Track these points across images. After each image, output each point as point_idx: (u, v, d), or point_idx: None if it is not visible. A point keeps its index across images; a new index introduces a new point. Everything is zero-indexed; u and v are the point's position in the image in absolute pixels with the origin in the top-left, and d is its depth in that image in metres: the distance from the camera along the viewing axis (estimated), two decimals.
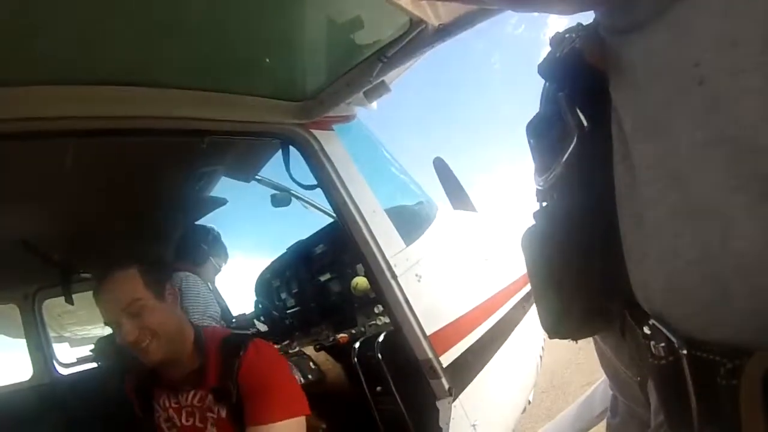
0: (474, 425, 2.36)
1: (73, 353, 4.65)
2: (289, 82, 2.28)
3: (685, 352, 0.53)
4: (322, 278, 3.57)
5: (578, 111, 0.70)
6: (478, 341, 2.52)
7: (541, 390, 3.68)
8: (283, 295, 4.06)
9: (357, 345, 3.00)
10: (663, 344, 0.56)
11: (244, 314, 4.10)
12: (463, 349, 2.41)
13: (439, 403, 2.27)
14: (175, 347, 1.85)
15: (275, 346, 3.49)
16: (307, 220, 3.85)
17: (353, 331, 3.18)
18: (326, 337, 3.40)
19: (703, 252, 0.50)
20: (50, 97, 1.82)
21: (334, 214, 3.59)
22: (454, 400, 2.26)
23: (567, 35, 0.74)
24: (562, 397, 4.65)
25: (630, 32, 0.57)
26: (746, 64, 0.44)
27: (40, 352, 4.21)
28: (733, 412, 0.48)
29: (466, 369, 2.40)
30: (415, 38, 1.86)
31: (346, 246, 3.19)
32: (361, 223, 2.30)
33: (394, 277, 2.25)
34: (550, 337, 0.87)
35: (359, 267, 3.11)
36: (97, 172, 2.63)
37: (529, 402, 3.14)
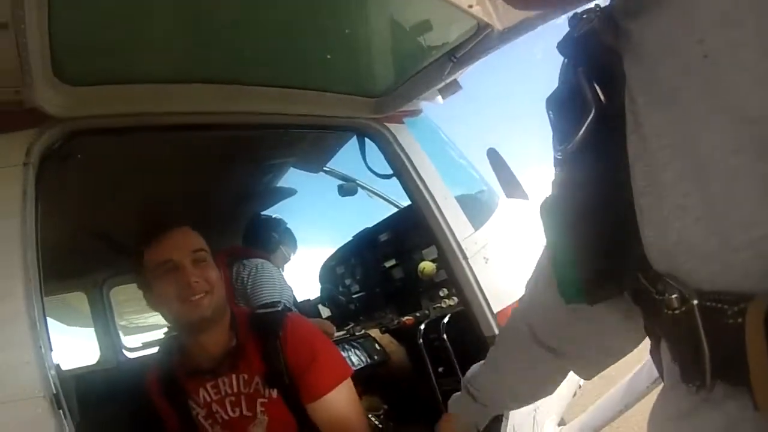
0: None
1: (137, 339, 4.93)
2: (366, 80, 2.45)
3: (696, 301, 0.57)
4: (387, 264, 3.69)
5: (596, 86, 0.74)
6: None
7: (593, 381, 3.69)
8: (348, 281, 4.19)
9: (422, 327, 3.14)
10: (675, 295, 0.59)
11: (309, 300, 4.29)
12: None
13: None
14: (221, 312, 1.81)
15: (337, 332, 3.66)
16: (373, 209, 4.01)
17: (418, 314, 3.33)
18: (391, 320, 3.58)
19: (708, 208, 0.55)
20: (138, 94, 1.98)
21: (398, 204, 3.77)
22: None
23: (584, 15, 0.77)
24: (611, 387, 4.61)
25: (640, 13, 0.62)
26: (743, 39, 0.49)
27: (108, 338, 4.42)
28: (740, 348, 0.52)
29: None
30: (482, 41, 1.97)
31: (412, 233, 3.33)
32: (434, 209, 2.43)
33: (465, 258, 2.36)
34: (566, 303, 0.90)
35: (425, 252, 3.26)
36: (171, 165, 2.81)
37: (580, 386, 3.18)
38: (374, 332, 3.61)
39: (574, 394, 3.10)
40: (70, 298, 4.46)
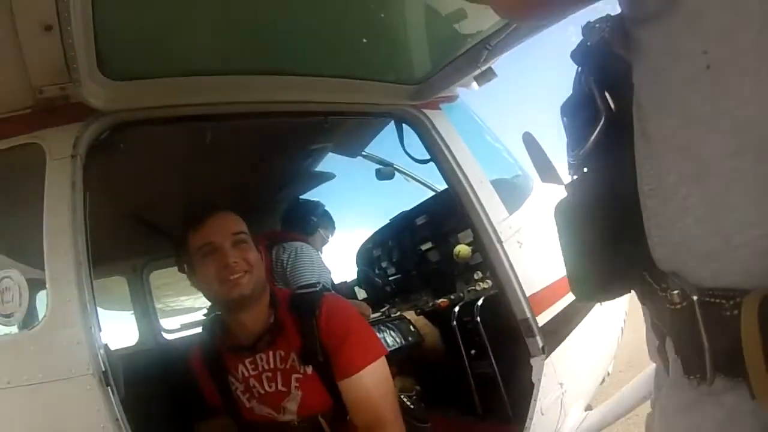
0: (561, 383, 2.47)
1: (175, 321, 5.08)
2: (404, 68, 2.50)
3: (695, 297, 0.59)
4: (423, 247, 3.74)
5: (606, 94, 0.78)
6: (569, 305, 2.59)
7: (618, 370, 3.65)
8: (384, 264, 4.26)
9: (456, 309, 3.20)
10: (677, 291, 0.62)
11: (345, 282, 4.36)
12: (556, 312, 2.50)
13: (533, 361, 2.37)
14: (260, 291, 1.86)
15: (373, 314, 3.71)
16: (409, 193, 4.06)
17: (452, 297, 3.38)
18: (426, 302, 3.63)
19: (708, 209, 0.57)
20: (179, 87, 2.07)
21: (434, 188, 3.81)
22: (546, 358, 2.36)
23: (597, 25, 0.78)
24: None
25: (648, 22, 0.64)
26: (744, 49, 0.52)
27: (147, 320, 4.56)
28: (736, 339, 0.55)
29: (557, 330, 2.49)
30: (516, 29, 2.00)
31: (448, 216, 3.36)
32: (470, 193, 2.47)
33: (500, 242, 2.40)
34: (578, 300, 0.96)
35: (461, 236, 3.30)
36: (212, 153, 2.83)
37: (608, 373, 3.16)
38: (409, 314, 3.64)
39: (602, 381, 3.12)
40: (110, 283, 4.61)
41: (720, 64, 0.55)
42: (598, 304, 2.82)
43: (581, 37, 0.83)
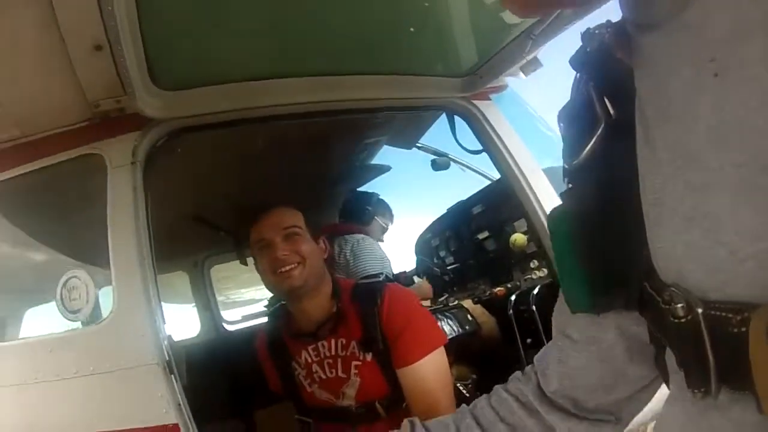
0: None
1: (235, 313, 5.27)
2: (451, 61, 2.53)
3: (701, 310, 0.58)
4: (480, 236, 3.73)
5: (606, 100, 0.76)
6: None
7: None
8: (442, 253, 4.27)
9: (513, 298, 3.18)
10: (681, 304, 0.60)
11: (405, 272, 4.41)
12: None
13: None
14: (315, 281, 1.93)
15: (427, 304, 3.74)
16: (465, 183, 4.03)
17: (509, 286, 3.36)
18: (483, 291, 3.62)
19: (714, 220, 0.56)
20: (231, 93, 2.17)
21: (490, 177, 3.80)
22: None
23: (597, 31, 0.77)
24: None
25: (653, 28, 0.62)
26: (751, 56, 0.50)
27: (208, 312, 4.78)
28: (744, 356, 0.53)
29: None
30: (558, 17, 1.98)
31: (504, 205, 3.33)
32: (523, 182, 2.48)
33: None
34: (572, 312, 0.91)
35: (517, 224, 3.28)
36: (268, 152, 3.00)
37: None
38: (467, 303, 3.63)
39: None
40: (172, 278, 4.83)
41: (728, 73, 0.53)
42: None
43: (581, 43, 0.81)
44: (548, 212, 2.34)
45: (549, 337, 2.79)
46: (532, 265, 3.27)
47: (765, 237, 0.52)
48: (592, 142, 0.78)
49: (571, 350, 1.00)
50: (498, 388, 1.14)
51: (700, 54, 0.55)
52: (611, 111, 0.77)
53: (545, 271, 3.12)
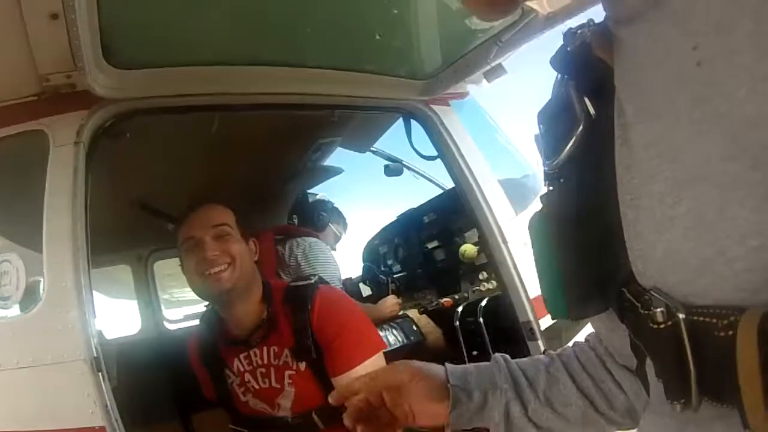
0: None
1: (179, 312, 5.09)
2: (413, 63, 2.48)
3: (682, 316, 0.55)
4: (430, 245, 3.70)
5: (586, 100, 0.73)
6: None
7: None
8: (390, 261, 4.22)
9: (460, 309, 3.16)
10: (661, 309, 0.57)
11: (351, 278, 4.31)
12: None
13: None
14: (245, 285, 1.85)
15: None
16: (417, 190, 4.01)
17: (457, 297, 3.35)
18: (429, 301, 3.60)
19: (699, 218, 0.52)
20: (185, 77, 2.07)
21: (443, 185, 3.78)
22: None
23: (578, 31, 0.76)
24: None
25: (632, 20, 0.60)
26: (739, 44, 0.47)
27: (150, 309, 4.57)
28: (729, 364, 0.50)
29: (560, 335, 2.47)
30: (527, 25, 1.98)
31: (455, 215, 3.33)
32: (477, 192, 2.45)
33: (505, 242, 2.38)
34: (552, 318, 0.91)
35: (468, 235, 3.27)
36: (218, 143, 2.84)
37: None
38: (413, 312, 3.60)
39: None
40: (116, 271, 4.64)
41: (712, 61, 0.50)
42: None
43: (562, 43, 0.79)
44: (500, 224, 2.36)
45: (495, 350, 2.79)
46: (481, 277, 3.26)
47: (755, 235, 0.48)
48: (571, 143, 0.74)
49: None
50: (578, 341, 1.08)
51: (681, 43, 0.52)
52: (591, 111, 0.73)
53: (494, 283, 3.11)
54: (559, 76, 0.80)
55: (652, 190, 0.58)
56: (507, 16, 1.01)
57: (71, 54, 1.67)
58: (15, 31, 1.57)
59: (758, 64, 0.46)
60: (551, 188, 0.81)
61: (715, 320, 0.51)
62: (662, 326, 0.57)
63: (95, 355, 1.65)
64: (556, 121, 0.79)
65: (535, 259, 0.86)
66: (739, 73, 0.47)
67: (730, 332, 0.49)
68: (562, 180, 0.79)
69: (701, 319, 0.53)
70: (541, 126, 0.85)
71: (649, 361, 0.68)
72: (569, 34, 0.77)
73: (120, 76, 1.92)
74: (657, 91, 0.56)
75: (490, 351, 2.92)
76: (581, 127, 0.73)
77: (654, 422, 0.69)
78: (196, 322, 4.31)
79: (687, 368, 0.55)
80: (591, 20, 0.75)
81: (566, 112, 0.76)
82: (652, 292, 0.59)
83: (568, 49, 0.77)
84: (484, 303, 3.01)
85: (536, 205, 2.31)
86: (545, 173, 0.82)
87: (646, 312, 0.59)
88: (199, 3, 1.77)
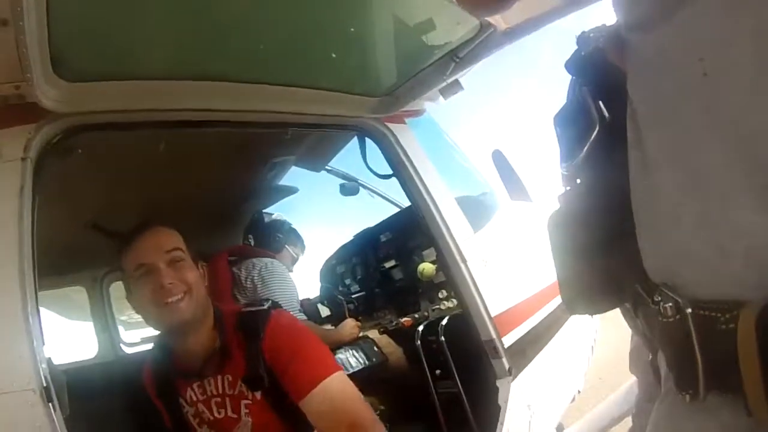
0: (529, 405, 2.44)
1: (137, 334, 4.84)
2: (368, 80, 2.45)
3: (690, 310, 0.59)
4: (387, 265, 3.67)
5: (600, 104, 0.79)
6: (536, 326, 2.59)
7: (590, 385, 3.68)
8: (348, 281, 4.18)
9: (420, 328, 3.12)
10: (670, 304, 0.61)
11: (309, 299, 4.28)
12: (523, 332, 2.48)
13: (499, 382, 2.32)
14: (201, 314, 1.78)
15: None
16: (374, 209, 3.99)
17: (417, 316, 3.32)
18: (389, 321, 3.57)
19: (704, 220, 0.57)
20: (137, 91, 1.98)
21: (399, 204, 3.77)
22: (513, 379, 2.32)
23: (591, 35, 0.81)
24: (611, 392, 4.54)
25: (644, 31, 0.64)
26: (740, 59, 0.52)
27: (107, 332, 4.40)
28: (732, 354, 0.54)
29: (524, 351, 2.47)
30: (484, 40, 1.97)
31: (413, 234, 3.32)
32: (434, 210, 2.43)
33: (464, 261, 2.36)
34: (570, 313, 0.96)
35: (426, 254, 3.24)
36: (170, 161, 2.77)
37: (579, 391, 3.17)
38: (373, 333, 3.58)
39: (573, 399, 3.10)
40: (71, 292, 4.46)
41: (717, 73, 0.54)
42: (569, 320, 2.83)
43: (576, 47, 0.84)
44: (458, 242, 2.34)
45: (458, 368, 2.78)
46: (440, 295, 3.25)
47: (752, 235, 0.53)
48: (587, 146, 0.79)
49: None
50: None
51: (688, 54, 0.56)
52: (606, 114, 0.78)
53: (454, 301, 3.08)
54: (574, 79, 0.86)
55: (661, 193, 0.63)
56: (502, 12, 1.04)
57: (19, 64, 1.56)
58: None
59: (758, 78, 0.51)
60: (568, 188, 0.88)
61: (718, 314, 0.56)
62: (671, 320, 0.62)
63: (44, 384, 1.55)
64: (572, 124, 0.84)
65: (553, 257, 0.90)
66: (741, 85, 0.52)
67: (731, 325, 0.54)
68: (578, 181, 0.85)
69: (706, 313, 0.58)
70: (557, 129, 0.89)
71: (660, 354, 0.73)
72: (583, 39, 0.82)
73: (69, 89, 1.82)
74: (666, 98, 0.61)
75: (454, 370, 2.90)
76: (597, 130, 0.79)
77: (665, 411, 0.71)
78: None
79: (695, 359, 0.59)
80: (603, 24, 0.80)
81: (581, 116, 0.81)
82: (662, 288, 0.64)
83: (582, 53, 0.82)
84: (444, 321, 2.98)
85: (495, 223, 2.32)
86: (562, 174, 0.88)
87: (656, 307, 0.64)
88: (152, 16, 1.70)
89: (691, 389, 0.61)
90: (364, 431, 1.63)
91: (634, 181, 0.69)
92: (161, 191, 3.16)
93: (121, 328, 4.60)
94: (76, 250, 3.58)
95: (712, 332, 0.57)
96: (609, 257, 0.79)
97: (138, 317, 5.25)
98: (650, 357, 0.82)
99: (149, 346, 4.28)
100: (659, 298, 0.64)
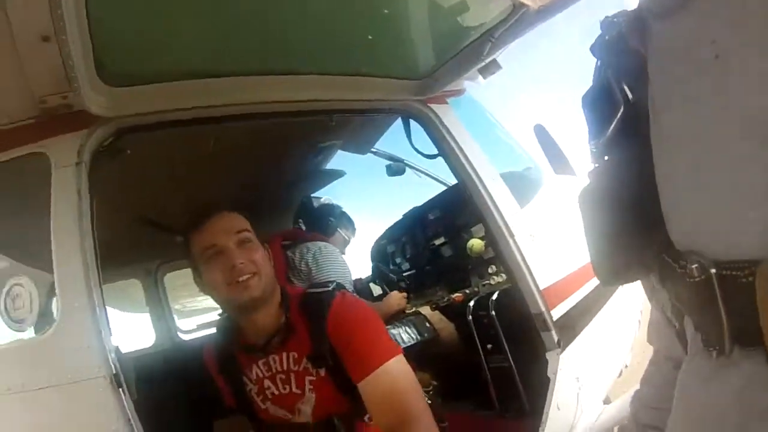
0: (578, 378, 2.45)
1: (192, 322, 5.14)
2: (408, 63, 2.48)
3: (713, 270, 0.63)
4: (437, 242, 3.73)
5: (624, 86, 0.82)
6: (584, 298, 2.58)
7: (636, 361, 3.63)
8: (398, 260, 4.25)
9: (471, 304, 3.18)
10: (695, 265, 0.66)
11: (360, 279, 4.34)
12: (571, 305, 2.49)
13: (548, 355, 2.35)
14: (270, 291, 1.80)
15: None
16: (421, 189, 4.04)
17: (467, 291, 3.36)
18: (440, 297, 3.60)
19: (721, 191, 0.63)
20: (181, 91, 2.07)
21: (446, 182, 3.79)
22: (562, 352, 2.34)
23: (615, 20, 0.85)
24: None
25: (664, 16, 0.69)
26: (749, 40, 0.57)
27: (163, 321, 4.64)
28: (752, 309, 0.60)
29: (573, 324, 2.47)
30: (518, 20, 1.97)
31: (460, 211, 3.36)
32: (480, 188, 2.45)
33: (512, 236, 2.38)
34: (601, 284, 1.00)
35: (474, 230, 3.29)
36: (219, 154, 2.90)
37: (626, 365, 3.12)
38: (425, 310, 3.63)
39: (620, 374, 3.09)
40: (126, 286, 4.64)
41: (728, 54, 0.58)
42: (615, 294, 2.80)
43: (600, 31, 0.88)
44: (505, 217, 2.36)
45: (509, 342, 2.79)
46: (490, 271, 3.28)
47: (766, 201, 0.58)
48: (613, 125, 0.84)
49: None
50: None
51: (702, 37, 0.61)
52: (629, 96, 0.82)
53: (503, 276, 3.11)
54: (598, 62, 0.90)
55: (681, 167, 0.68)
56: None
57: (66, 75, 1.67)
58: (7, 55, 1.58)
59: (765, 59, 0.55)
60: (596, 165, 0.93)
61: (739, 272, 0.61)
62: (697, 280, 0.66)
63: (114, 371, 1.66)
64: (598, 105, 0.88)
65: (584, 230, 0.96)
66: (749, 66, 0.57)
67: (750, 278, 0.60)
68: (606, 158, 0.90)
69: (728, 272, 0.62)
70: (585, 109, 0.93)
71: (687, 320, 0.78)
72: (606, 23, 0.86)
73: (116, 94, 1.93)
74: (682, 79, 0.66)
75: (504, 344, 2.95)
76: (621, 111, 0.83)
77: (693, 370, 0.76)
78: (210, 330, 4.39)
79: (720, 317, 0.64)
80: (625, 10, 0.83)
81: (606, 97, 0.85)
82: (687, 254, 0.69)
83: (606, 38, 0.86)
84: (494, 296, 3.03)
85: (541, 198, 2.32)
86: (591, 152, 0.92)
87: (683, 270, 0.69)
88: (190, 16, 1.77)
89: (718, 345, 0.66)
90: (415, 422, 1.64)
91: (657, 157, 0.74)
92: (209, 183, 3.28)
93: (175, 317, 4.81)
94: (129, 245, 3.76)
95: (734, 287, 0.62)
96: (636, 229, 0.83)
97: (192, 305, 5.43)
98: (677, 326, 0.85)
99: (205, 332, 4.50)
100: (685, 263, 0.68)
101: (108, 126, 1.97)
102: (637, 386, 1.27)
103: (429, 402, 1.87)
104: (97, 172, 1.93)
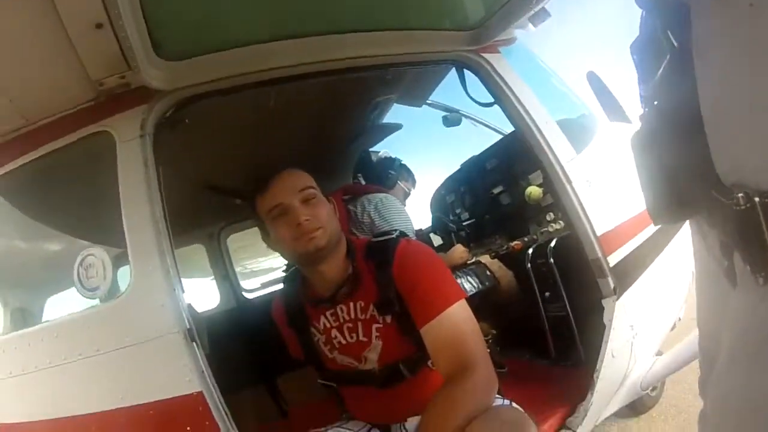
0: (632, 326, 2.46)
1: (253, 282, 5.28)
2: (460, 14, 2.49)
3: (758, 199, 0.71)
4: (495, 191, 3.73)
5: (669, 34, 0.87)
6: (640, 246, 2.56)
7: (690, 317, 3.56)
8: (458, 209, 4.28)
9: (530, 252, 3.20)
10: (742, 194, 0.72)
11: (420, 229, 4.33)
12: (628, 252, 2.48)
13: (604, 302, 2.37)
14: (336, 242, 1.84)
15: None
16: (477, 138, 4.01)
17: (526, 239, 3.38)
18: (500, 246, 3.63)
19: (762, 127, 0.69)
20: (235, 58, 2.15)
21: (502, 131, 3.76)
22: (617, 299, 2.37)
23: None
24: None
25: None
26: None
27: (227, 282, 4.82)
28: None
29: (629, 271, 2.47)
30: None
31: (518, 159, 3.35)
32: (537, 134, 2.46)
33: (569, 182, 2.39)
34: (655, 224, 1.07)
35: (532, 177, 3.28)
36: (276, 115, 2.95)
37: (679, 319, 3.11)
38: (484, 258, 3.63)
39: (673, 327, 3.07)
40: (188, 252, 4.85)
41: (761, 3, 0.65)
42: (671, 244, 2.76)
43: None
44: (562, 164, 2.35)
45: (567, 290, 2.80)
46: (548, 218, 3.28)
47: None
48: (660, 71, 0.89)
49: None
50: None
51: None
52: (674, 43, 0.87)
53: (561, 223, 3.13)
54: (644, 12, 0.96)
55: (724, 107, 0.75)
56: None
57: (123, 56, 1.78)
58: (62, 45, 1.68)
59: None
60: (647, 109, 0.99)
61: None
62: (743, 208, 0.72)
63: (188, 326, 1.79)
64: (646, 52, 0.95)
65: (637, 172, 1.02)
66: None
67: None
68: (655, 102, 0.96)
69: None
70: (634, 56, 1.00)
71: (736, 255, 0.82)
72: None
73: (171, 68, 2.03)
74: (722, 26, 0.73)
75: (562, 291, 2.98)
76: (668, 57, 0.88)
77: (742, 298, 0.82)
78: (272, 288, 4.55)
79: (765, 242, 0.71)
80: None
81: (654, 44, 0.91)
82: (734, 187, 0.75)
83: None
84: (553, 244, 3.04)
85: (596, 144, 2.30)
86: (641, 96, 0.99)
87: (730, 201, 0.74)
88: None
89: (764, 271, 0.72)
90: (474, 368, 1.65)
91: (703, 101, 0.78)
92: (268, 146, 3.35)
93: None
94: (191, 212, 3.96)
95: None
96: (686, 167, 0.88)
97: (253, 266, 5.62)
98: (726, 264, 0.87)
99: (267, 290, 4.69)
100: (732, 194, 0.74)
101: (168, 99, 2.09)
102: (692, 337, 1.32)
103: (488, 351, 1.91)
104: (160, 142, 2.05)
